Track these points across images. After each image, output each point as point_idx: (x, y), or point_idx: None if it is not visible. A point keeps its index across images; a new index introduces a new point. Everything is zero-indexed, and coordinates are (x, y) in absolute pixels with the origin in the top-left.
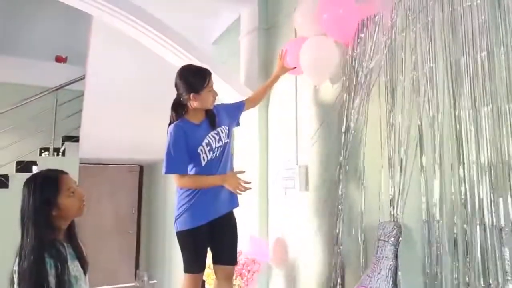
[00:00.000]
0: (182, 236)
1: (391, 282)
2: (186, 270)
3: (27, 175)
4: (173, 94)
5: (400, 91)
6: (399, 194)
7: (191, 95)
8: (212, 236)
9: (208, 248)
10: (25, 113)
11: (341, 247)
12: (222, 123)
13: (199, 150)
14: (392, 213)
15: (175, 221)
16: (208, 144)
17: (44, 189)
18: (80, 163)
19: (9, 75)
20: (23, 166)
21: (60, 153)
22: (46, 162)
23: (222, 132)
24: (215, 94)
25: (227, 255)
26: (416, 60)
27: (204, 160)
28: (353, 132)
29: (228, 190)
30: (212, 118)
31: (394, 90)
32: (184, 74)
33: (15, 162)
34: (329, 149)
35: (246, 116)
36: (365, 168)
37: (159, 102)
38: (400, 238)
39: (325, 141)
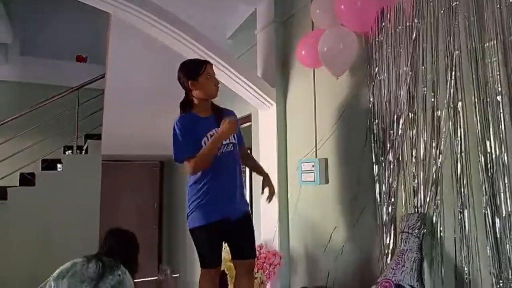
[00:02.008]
0: (195, 233)
1: (416, 275)
2: (202, 265)
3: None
4: None
5: (421, 77)
6: (423, 185)
7: (189, 83)
8: (227, 232)
9: (226, 244)
10: (49, 112)
11: (362, 240)
12: None
13: (203, 142)
14: (416, 204)
15: (187, 218)
16: (213, 136)
17: None
18: (103, 161)
19: (32, 75)
20: (48, 164)
21: (83, 151)
22: (70, 160)
23: None
24: (216, 82)
25: (245, 250)
26: (437, 47)
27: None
28: (376, 122)
29: (242, 191)
30: (219, 113)
31: (416, 77)
32: (182, 65)
33: (40, 160)
34: (350, 140)
35: (264, 111)
36: (389, 158)
37: (177, 98)
38: (425, 230)
39: (345, 133)
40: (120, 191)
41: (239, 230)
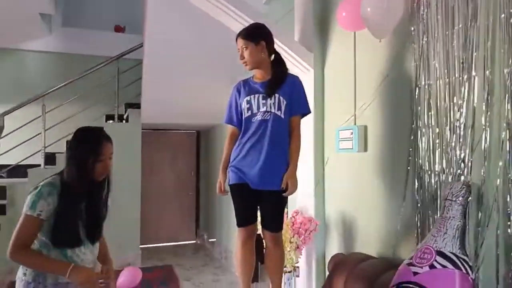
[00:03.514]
0: (230, 190)
1: (458, 242)
2: (236, 223)
3: None
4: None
5: (475, 39)
6: (470, 152)
7: None
8: (260, 201)
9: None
10: (90, 82)
11: (402, 209)
12: (282, 94)
13: (242, 106)
14: (461, 172)
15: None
16: (249, 102)
17: None
18: (142, 129)
19: (73, 46)
20: None
21: (124, 120)
22: (112, 129)
23: (271, 100)
24: (241, 55)
25: (270, 222)
26: (494, 6)
27: (244, 114)
28: (421, 87)
29: (271, 167)
30: (272, 81)
31: (466, 39)
32: None
33: None
34: (392, 107)
35: (301, 77)
36: (433, 125)
37: (214, 67)
38: (470, 198)
39: (387, 99)
40: (158, 159)
41: (265, 202)
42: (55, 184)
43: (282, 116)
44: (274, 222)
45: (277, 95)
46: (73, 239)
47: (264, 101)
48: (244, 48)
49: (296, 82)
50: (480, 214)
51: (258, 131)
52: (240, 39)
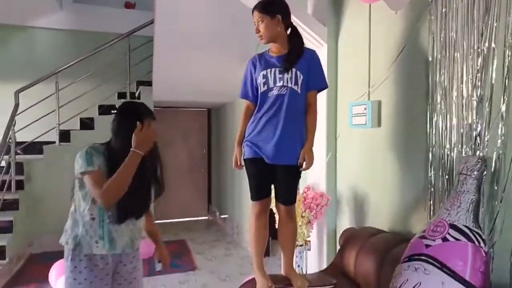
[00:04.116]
0: (245, 164)
1: (472, 216)
2: (251, 197)
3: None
4: (240, 34)
5: (496, 9)
6: (487, 126)
7: None
8: (275, 175)
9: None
10: (102, 59)
11: (413, 182)
12: (299, 68)
13: (258, 80)
14: (477, 147)
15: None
16: (265, 76)
17: None
18: (154, 107)
19: (84, 22)
20: (104, 109)
21: (136, 97)
22: None
23: (288, 74)
24: (256, 29)
25: (285, 196)
26: None
27: (259, 89)
28: (439, 59)
29: (287, 142)
30: (289, 55)
31: (488, 9)
32: None
33: (97, 106)
34: (407, 81)
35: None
36: (450, 100)
37: (225, 44)
38: (485, 173)
39: (402, 74)
40: (171, 137)
41: (279, 176)
42: (100, 150)
43: (299, 91)
44: (289, 196)
45: (294, 70)
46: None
47: (281, 76)
48: (260, 21)
49: (313, 57)
50: (495, 188)
51: (274, 106)
52: (256, 12)
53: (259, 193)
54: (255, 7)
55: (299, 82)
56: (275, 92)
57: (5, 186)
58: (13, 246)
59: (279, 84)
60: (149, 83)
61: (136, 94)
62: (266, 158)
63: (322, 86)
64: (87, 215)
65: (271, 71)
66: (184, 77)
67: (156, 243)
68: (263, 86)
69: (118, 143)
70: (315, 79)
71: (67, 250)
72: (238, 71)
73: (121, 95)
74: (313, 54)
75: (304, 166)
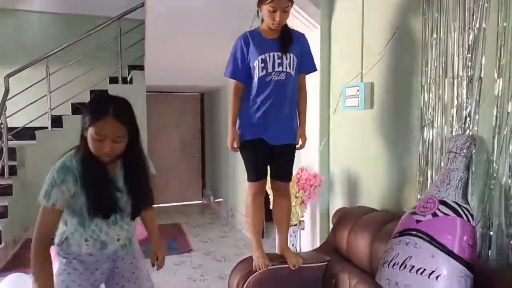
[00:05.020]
0: (243, 147)
1: (461, 192)
2: (249, 179)
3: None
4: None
5: None
6: (475, 105)
7: (257, 3)
8: (273, 155)
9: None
10: (92, 43)
11: (404, 162)
12: (294, 52)
13: (254, 63)
14: (465, 126)
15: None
16: (264, 61)
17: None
18: (146, 91)
19: (75, 6)
20: (96, 94)
21: (128, 82)
22: (116, 90)
23: (287, 59)
24: (277, 17)
25: (284, 173)
26: None
27: (256, 75)
28: (431, 41)
29: (287, 123)
30: (285, 39)
31: None
32: None
33: (89, 91)
34: (399, 63)
35: (307, 33)
36: (441, 80)
37: (218, 28)
38: (474, 151)
39: (395, 56)
40: (163, 122)
41: (278, 154)
42: (71, 167)
43: (294, 74)
44: (288, 173)
45: (291, 55)
46: (108, 207)
47: (279, 61)
48: (285, 9)
49: (305, 40)
50: (485, 166)
51: (276, 92)
52: (281, 1)
53: (258, 174)
54: None
55: (294, 66)
56: (274, 77)
57: None
58: (8, 231)
59: (278, 69)
60: (141, 68)
61: (128, 79)
62: (269, 140)
63: (314, 69)
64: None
65: (269, 56)
66: (176, 60)
67: (153, 243)
68: (262, 71)
69: (80, 148)
70: (307, 63)
71: (57, 241)
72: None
73: (113, 80)
74: (303, 37)
75: (300, 146)
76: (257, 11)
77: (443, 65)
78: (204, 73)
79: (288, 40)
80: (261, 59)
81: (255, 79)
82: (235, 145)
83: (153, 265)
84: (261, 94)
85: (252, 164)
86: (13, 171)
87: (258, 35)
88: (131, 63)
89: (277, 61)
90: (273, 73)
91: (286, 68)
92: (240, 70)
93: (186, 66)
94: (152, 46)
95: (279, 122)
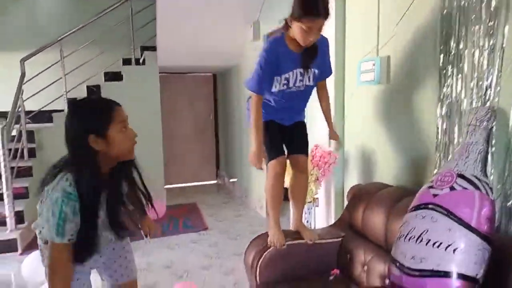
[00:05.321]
0: (264, 127)
1: (480, 165)
2: (270, 157)
3: (115, 84)
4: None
5: None
6: (497, 77)
7: (289, 18)
8: (289, 133)
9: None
10: (105, 25)
11: (420, 136)
12: (316, 65)
13: (276, 78)
14: (485, 98)
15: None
16: (287, 79)
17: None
18: (159, 73)
19: None
20: (110, 76)
21: (141, 63)
22: (129, 72)
23: (307, 74)
24: (311, 38)
25: (303, 146)
26: None
27: (275, 87)
28: (451, 10)
29: (298, 110)
30: (310, 54)
31: None
32: None
33: (103, 72)
34: (417, 35)
35: None
36: (461, 51)
37: (230, 8)
38: (494, 123)
39: (412, 26)
40: (178, 102)
41: (291, 130)
42: (72, 193)
43: (313, 84)
44: (305, 144)
45: (313, 69)
46: (92, 250)
47: (301, 78)
48: (320, 28)
49: (327, 46)
50: (506, 139)
51: (291, 98)
52: (322, 19)
53: (278, 149)
54: (319, 15)
55: (315, 78)
56: (293, 89)
57: (18, 154)
58: (30, 211)
59: (298, 84)
60: (153, 48)
61: (141, 60)
62: (280, 121)
63: (330, 73)
64: None
65: (293, 73)
66: (188, 40)
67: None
68: (282, 86)
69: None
70: (326, 70)
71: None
72: (243, 31)
73: (126, 61)
74: (327, 42)
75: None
76: (285, 22)
77: (464, 35)
78: (216, 53)
79: (314, 56)
80: (285, 77)
81: (274, 89)
82: (263, 167)
83: (146, 236)
84: (276, 99)
85: (272, 141)
86: (32, 153)
87: (285, 49)
88: (144, 44)
89: (299, 77)
90: (293, 87)
91: (306, 82)
92: (265, 87)
93: (198, 46)
94: (164, 27)
95: (295, 113)
